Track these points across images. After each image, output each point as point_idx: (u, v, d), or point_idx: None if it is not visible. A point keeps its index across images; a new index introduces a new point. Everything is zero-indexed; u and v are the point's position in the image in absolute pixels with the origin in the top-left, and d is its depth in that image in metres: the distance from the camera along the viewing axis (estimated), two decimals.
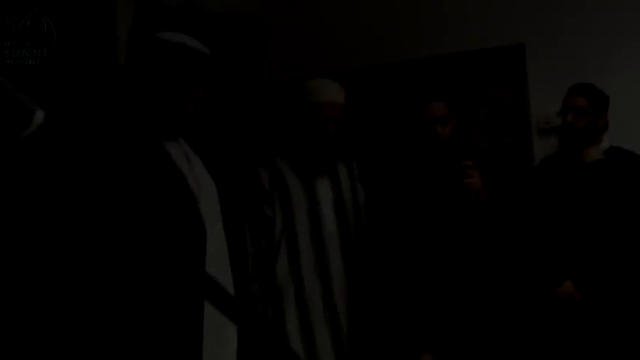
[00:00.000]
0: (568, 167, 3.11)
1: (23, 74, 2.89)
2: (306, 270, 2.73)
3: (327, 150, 2.79)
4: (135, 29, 3.37)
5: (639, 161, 3.10)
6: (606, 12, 3.70)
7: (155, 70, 2.11)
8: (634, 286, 2.98)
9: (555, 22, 3.80)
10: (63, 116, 1.93)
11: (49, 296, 2.01)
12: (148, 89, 2.13)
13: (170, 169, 2.14)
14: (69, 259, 1.99)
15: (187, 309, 2.07)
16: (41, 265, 2.01)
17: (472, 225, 2.79)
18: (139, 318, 2.00)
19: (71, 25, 3.09)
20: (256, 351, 2.62)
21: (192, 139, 2.36)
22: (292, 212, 2.75)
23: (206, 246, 2.14)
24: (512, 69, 3.91)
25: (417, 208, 2.84)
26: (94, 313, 1.98)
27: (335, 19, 4.41)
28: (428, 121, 2.84)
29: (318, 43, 4.43)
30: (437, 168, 2.88)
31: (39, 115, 1.84)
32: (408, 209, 2.85)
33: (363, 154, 3.15)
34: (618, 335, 2.93)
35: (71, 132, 2.01)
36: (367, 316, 2.82)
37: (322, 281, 2.75)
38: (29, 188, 1.99)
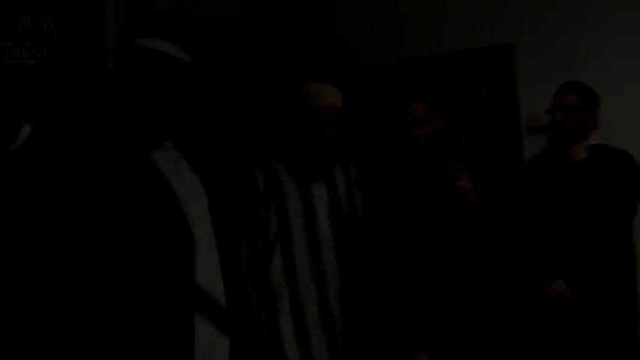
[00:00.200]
0: (556, 167, 3.11)
1: (23, 74, 2.90)
2: (301, 272, 2.73)
3: (324, 153, 2.79)
4: (123, 35, 3.37)
5: (624, 157, 3.09)
6: (595, 11, 3.71)
7: (133, 78, 2.11)
8: (623, 284, 3.00)
9: (544, 21, 3.81)
10: (50, 128, 1.93)
11: (29, 317, 1.99)
12: (128, 97, 2.12)
13: (154, 178, 2.13)
14: (53, 273, 1.97)
15: (177, 321, 2.06)
16: (28, 278, 1.99)
17: (462, 227, 2.80)
18: (127, 333, 1.98)
19: (60, 31, 3.08)
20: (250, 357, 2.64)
21: (182, 143, 2.36)
22: (287, 214, 2.75)
23: (194, 253, 2.13)
24: (501, 68, 3.92)
25: (408, 211, 2.84)
26: (80, 333, 1.97)
27: (324, 23, 4.42)
28: (405, 121, 2.84)
29: (307, 46, 4.44)
30: (417, 169, 2.88)
31: (26, 129, 1.85)
32: (400, 212, 2.85)
33: (359, 157, 3.15)
34: (609, 333, 2.95)
35: (57, 144, 2.00)
36: (362, 317, 2.82)
37: (317, 283, 2.74)
38: (16, 200, 1.98)
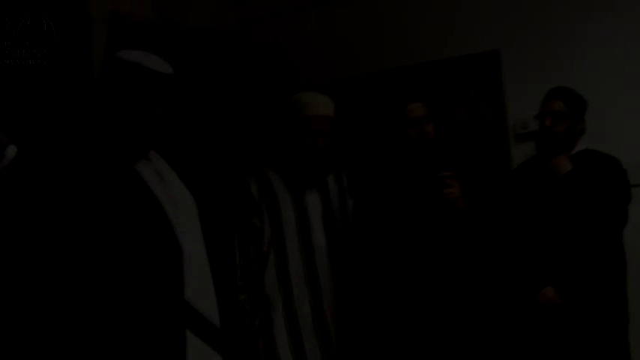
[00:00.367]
0: (545, 173, 3.11)
1: (23, 74, 2.89)
2: (295, 281, 2.73)
3: (317, 163, 2.79)
4: (109, 45, 3.37)
5: (611, 163, 3.10)
6: (580, 16, 3.73)
7: (114, 91, 2.10)
8: (614, 289, 3.00)
9: (530, 27, 3.83)
10: (34, 148, 1.92)
11: (16, 336, 1.97)
12: (110, 110, 2.11)
13: (139, 190, 2.11)
14: (37, 292, 1.95)
15: (168, 339, 2.04)
16: (15, 298, 1.97)
17: (452, 234, 2.80)
18: (115, 354, 1.96)
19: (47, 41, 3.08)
20: None
21: (171, 154, 2.36)
22: (281, 223, 2.75)
23: (183, 267, 2.11)
24: (487, 75, 3.93)
25: (399, 218, 2.84)
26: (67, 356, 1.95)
27: (312, 32, 4.42)
28: (411, 121, 2.84)
29: (295, 56, 4.43)
30: (410, 173, 2.88)
31: (11, 150, 1.84)
32: (391, 219, 2.85)
33: (351, 166, 3.15)
34: (600, 339, 2.95)
35: (42, 164, 1.99)
36: (356, 326, 2.81)
37: (311, 292, 2.74)
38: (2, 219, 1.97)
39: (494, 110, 3.91)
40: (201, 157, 3.87)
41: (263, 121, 4.27)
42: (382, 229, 2.84)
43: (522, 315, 3.08)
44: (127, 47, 2.20)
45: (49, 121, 3.03)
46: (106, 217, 1.99)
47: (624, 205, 3.01)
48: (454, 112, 3.97)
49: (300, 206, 2.79)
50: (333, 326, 2.75)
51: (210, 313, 2.21)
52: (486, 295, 2.86)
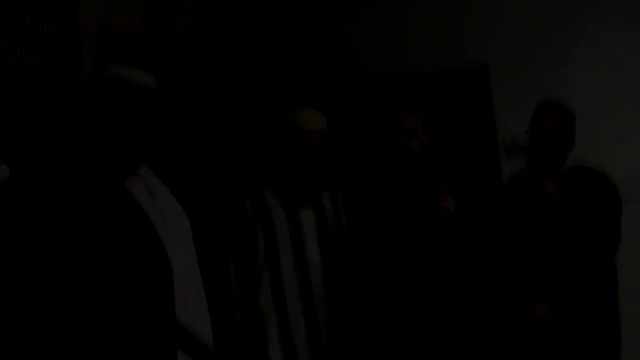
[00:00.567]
0: (537, 189, 3.11)
1: (23, 74, 2.86)
2: (290, 298, 2.72)
3: (311, 177, 2.79)
4: (99, 58, 3.35)
5: (601, 179, 3.11)
6: (569, 30, 3.76)
7: (96, 105, 2.09)
8: (606, 307, 3.00)
9: (518, 42, 3.85)
10: (24, 168, 1.91)
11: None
12: (93, 124, 2.10)
13: (128, 207, 2.09)
14: (27, 313, 1.93)
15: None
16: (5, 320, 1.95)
17: (447, 249, 2.80)
18: None
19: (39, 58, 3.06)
20: None
21: (163, 168, 2.34)
22: (275, 240, 2.74)
23: (173, 283, 2.08)
24: (477, 90, 3.94)
25: (394, 234, 2.83)
26: None
27: (302, 44, 4.42)
28: (409, 133, 2.83)
29: (285, 68, 4.43)
30: (405, 186, 2.87)
31: (3, 170, 1.82)
32: (386, 234, 2.84)
33: (346, 181, 3.14)
34: (592, 356, 2.95)
35: (31, 185, 1.97)
36: (351, 342, 2.80)
37: (306, 309, 2.74)
38: None
39: (483, 125, 3.92)
40: (195, 172, 3.85)
41: (254, 133, 4.26)
42: (377, 245, 2.83)
43: (514, 332, 3.07)
44: (116, 60, 2.19)
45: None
46: (93, 235, 1.97)
47: (617, 221, 3.02)
48: (443, 126, 3.97)
49: (294, 222, 2.79)
50: (328, 343, 2.75)
51: (203, 331, 2.19)
52: (479, 311, 2.85)
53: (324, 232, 2.85)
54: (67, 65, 3.21)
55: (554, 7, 3.80)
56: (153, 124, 2.14)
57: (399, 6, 4.15)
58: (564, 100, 3.15)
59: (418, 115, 2.87)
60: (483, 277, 2.92)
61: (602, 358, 2.97)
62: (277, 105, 2.96)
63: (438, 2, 4.04)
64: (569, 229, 2.97)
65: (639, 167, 3.60)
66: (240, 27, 4.56)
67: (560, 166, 3.11)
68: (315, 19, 4.37)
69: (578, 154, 3.20)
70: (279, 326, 2.70)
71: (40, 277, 1.92)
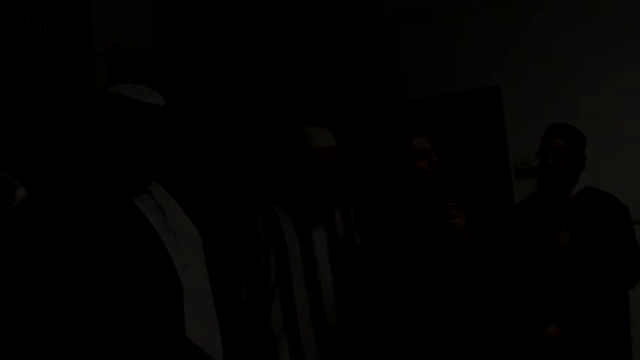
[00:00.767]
0: (549, 210, 3.10)
1: (23, 74, 2.87)
2: (301, 317, 2.72)
3: (328, 193, 2.81)
4: (112, 79, 3.37)
5: (613, 202, 3.10)
6: (579, 53, 3.77)
7: (103, 124, 2.10)
8: (617, 328, 2.98)
9: (530, 65, 3.86)
10: (41, 188, 1.93)
11: None
12: (101, 144, 2.11)
13: (138, 226, 2.09)
14: (37, 334, 1.94)
15: None
16: (17, 338, 1.95)
17: (459, 266, 2.79)
18: None
19: (51, 75, 3.08)
20: None
21: (177, 187, 2.34)
22: (287, 259, 2.74)
23: (182, 301, 2.08)
24: (488, 111, 3.95)
25: (406, 253, 2.82)
26: None
27: (313, 67, 4.44)
28: (417, 152, 2.84)
29: (296, 91, 4.45)
30: (416, 206, 2.87)
31: (21, 192, 1.84)
32: (398, 255, 2.83)
33: (359, 201, 3.15)
34: None
35: (47, 206, 1.98)
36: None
37: (317, 328, 2.73)
38: (8, 262, 1.96)
39: (495, 146, 3.92)
40: (208, 191, 3.86)
41: (266, 154, 4.27)
42: (390, 260, 2.82)
43: (526, 353, 3.05)
44: (128, 81, 2.20)
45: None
46: (102, 254, 1.97)
47: (632, 242, 3.01)
48: (455, 147, 3.98)
49: (306, 242, 2.79)
50: None
51: (213, 349, 2.18)
52: (491, 330, 2.84)
53: (336, 251, 2.85)
54: (80, 85, 3.23)
55: (565, 32, 3.81)
56: (163, 142, 2.15)
57: (412, 29, 4.17)
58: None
59: (427, 136, 2.88)
60: (496, 293, 2.91)
61: None
62: (289, 127, 2.96)
63: (452, 26, 4.06)
64: (583, 250, 2.97)
65: None
66: (250, 51, 4.58)
67: (571, 187, 3.11)
68: (328, 43, 4.39)
69: (589, 175, 3.19)
70: (290, 346, 2.69)
71: (51, 297, 1.94)
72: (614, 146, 3.63)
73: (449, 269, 2.78)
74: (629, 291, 3.05)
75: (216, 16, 4.45)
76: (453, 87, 4.03)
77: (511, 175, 3.87)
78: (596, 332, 2.94)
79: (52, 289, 1.94)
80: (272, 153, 4.09)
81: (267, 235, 2.75)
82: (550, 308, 2.99)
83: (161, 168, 2.20)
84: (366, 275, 2.86)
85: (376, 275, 2.83)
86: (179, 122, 3.64)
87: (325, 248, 2.82)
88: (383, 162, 2.93)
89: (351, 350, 2.78)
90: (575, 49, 3.79)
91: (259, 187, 4.02)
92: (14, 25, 2.71)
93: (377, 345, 2.81)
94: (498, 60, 3.94)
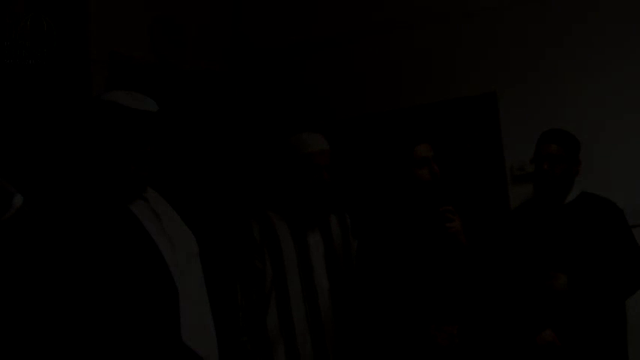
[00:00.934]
0: (545, 216, 3.11)
1: (23, 74, 2.88)
2: (297, 322, 2.72)
3: (323, 198, 2.81)
4: (109, 86, 3.38)
5: (610, 207, 3.11)
6: (575, 59, 3.79)
7: (97, 131, 2.11)
8: (613, 333, 2.98)
9: (526, 71, 3.87)
10: (37, 196, 1.94)
11: None
12: (95, 151, 2.12)
13: (134, 232, 2.09)
14: (35, 339, 1.95)
15: None
16: (14, 343, 1.96)
17: (455, 270, 2.79)
18: None
19: (48, 81, 3.08)
20: None
21: (172, 193, 2.35)
22: (283, 265, 2.75)
23: (178, 306, 2.08)
24: (485, 117, 3.96)
25: (403, 257, 2.83)
26: None
27: (313, 74, 4.45)
28: (420, 161, 2.84)
29: (296, 97, 4.45)
30: (415, 212, 2.87)
31: (18, 199, 1.86)
32: (395, 257, 2.84)
33: (355, 206, 3.16)
34: None
35: (43, 214, 1.99)
36: None
37: (313, 333, 2.73)
38: (6, 269, 1.96)
39: (492, 151, 3.93)
40: (204, 198, 3.87)
41: (262, 162, 4.28)
42: (386, 270, 2.82)
43: (522, 357, 3.05)
44: (124, 88, 2.21)
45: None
46: (99, 260, 1.98)
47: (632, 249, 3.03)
48: (452, 152, 3.99)
49: (302, 248, 2.80)
50: None
51: (209, 354, 2.18)
52: (486, 335, 2.84)
53: (332, 256, 2.85)
54: (77, 90, 3.24)
55: (560, 38, 3.83)
56: (157, 148, 2.16)
57: (409, 36, 4.18)
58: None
59: (430, 144, 2.88)
60: (491, 298, 2.91)
61: None
62: (285, 134, 2.97)
63: (449, 33, 4.08)
64: (579, 255, 2.98)
65: None
66: (248, 59, 4.59)
67: (566, 192, 3.13)
68: (327, 50, 4.40)
69: (585, 180, 3.20)
70: (286, 351, 2.70)
71: (48, 302, 1.94)
72: (609, 151, 3.64)
73: (445, 273, 2.78)
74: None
75: (213, 23, 4.46)
76: (449, 93, 4.04)
77: (507, 180, 3.88)
78: (592, 336, 2.95)
79: (49, 294, 1.94)
80: (267, 159, 4.10)
81: (263, 240, 2.76)
82: (545, 313, 3.00)
83: (156, 174, 2.20)
84: (363, 280, 2.86)
85: (373, 279, 2.84)
86: (174, 128, 3.65)
87: (321, 253, 2.83)
88: (384, 168, 2.94)
89: (347, 355, 2.78)
90: (571, 57, 3.80)
91: (255, 193, 4.03)
92: (14, 25, 2.71)
93: (373, 349, 2.82)
94: (495, 67, 3.95)
